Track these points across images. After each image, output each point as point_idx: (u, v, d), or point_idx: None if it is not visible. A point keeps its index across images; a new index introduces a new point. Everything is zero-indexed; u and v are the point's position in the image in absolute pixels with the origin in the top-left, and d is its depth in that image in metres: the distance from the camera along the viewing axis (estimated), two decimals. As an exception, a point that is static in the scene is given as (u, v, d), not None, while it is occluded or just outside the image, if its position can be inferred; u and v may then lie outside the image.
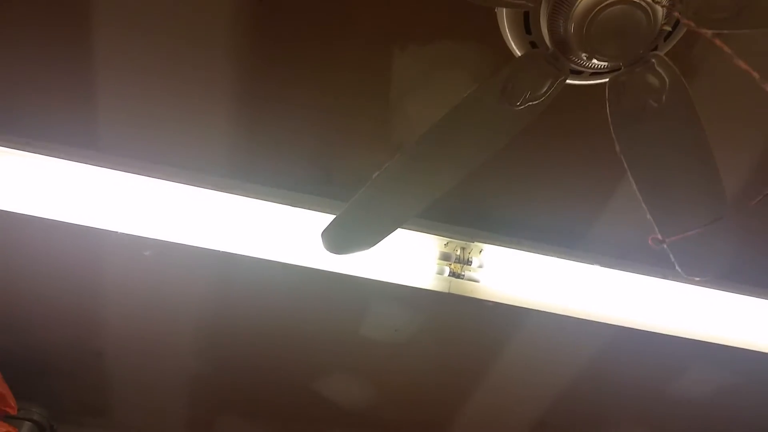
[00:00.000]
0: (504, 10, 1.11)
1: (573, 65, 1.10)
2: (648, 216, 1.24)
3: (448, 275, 1.83)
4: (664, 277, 1.87)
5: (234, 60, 1.52)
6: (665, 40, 1.12)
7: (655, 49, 1.11)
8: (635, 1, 0.97)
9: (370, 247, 1.42)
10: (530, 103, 1.14)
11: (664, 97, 1.11)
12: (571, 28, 1.01)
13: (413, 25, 1.45)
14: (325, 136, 1.67)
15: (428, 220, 1.81)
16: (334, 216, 1.48)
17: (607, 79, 1.12)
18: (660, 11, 1.00)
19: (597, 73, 1.14)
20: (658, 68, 1.09)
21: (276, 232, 1.76)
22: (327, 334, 2.16)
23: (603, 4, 0.97)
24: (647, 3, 0.97)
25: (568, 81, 1.13)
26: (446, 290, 1.87)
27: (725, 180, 1.23)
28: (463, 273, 1.83)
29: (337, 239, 1.43)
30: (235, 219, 1.74)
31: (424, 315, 2.09)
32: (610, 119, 1.14)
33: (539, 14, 1.07)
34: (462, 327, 2.13)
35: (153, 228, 1.71)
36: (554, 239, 1.85)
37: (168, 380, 2.38)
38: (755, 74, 1.03)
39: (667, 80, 1.10)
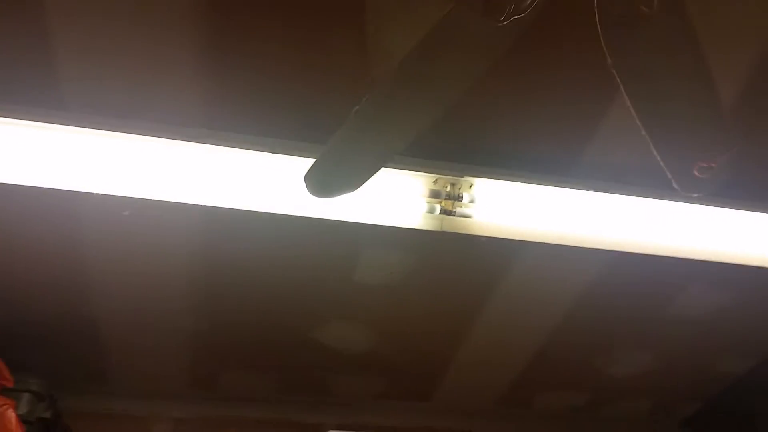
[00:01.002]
0: None
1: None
2: (642, 132, 1.18)
3: (440, 213, 1.78)
4: (660, 197, 1.83)
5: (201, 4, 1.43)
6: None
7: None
8: None
9: (356, 188, 1.36)
10: (515, 17, 1.06)
11: (655, 2, 1.03)
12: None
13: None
14: (300, 76, 1.58)
15: (415, 158, 1.74)
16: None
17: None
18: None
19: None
20: None
21: (258, 181, 1.70)
22: (320, 281, 2.13)
23: None
24: None
25: None
26: (438, 228, 1.82)
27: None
28: (454, 210, 1.78)
29: (321, 182, 1.37)
30: (215, 171, 1.67)
31: (418, 255, 2.06)
32: (599, 30, 1.07)
33: None
34: (457, 264, 2.10)
35: (130, 187, 1.64)
36: (546, 168, 1.80)
37: (165, 340, 2.36)
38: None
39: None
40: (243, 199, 1.73)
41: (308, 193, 1.37)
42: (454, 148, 1.75)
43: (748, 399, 2.84)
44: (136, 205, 1.71)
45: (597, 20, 1.05)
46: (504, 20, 1.04)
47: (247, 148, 1.63)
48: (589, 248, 1.91)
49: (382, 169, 1.67)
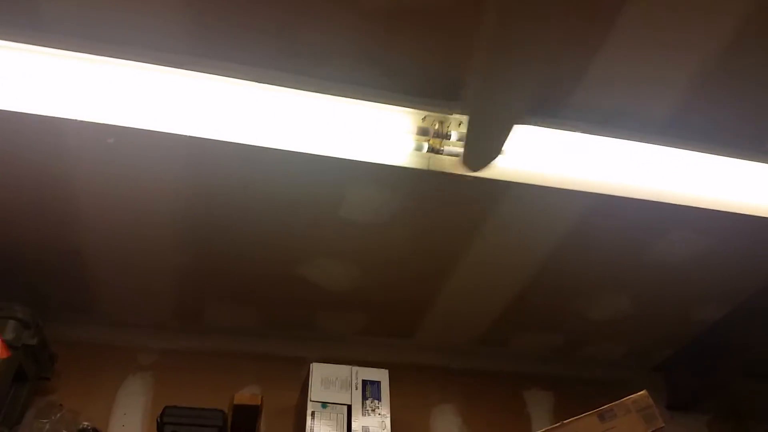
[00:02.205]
0: None
1: None
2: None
3: (427, 151, 1.78)
4: (644, 140, 1.84)
5: None
6: None
7: None
8: None
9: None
10: None
11: None
12: None
13: None
14: (293, 6, 1.54)
15: (404, 94, 1.73)
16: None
17: None
18: None
19: None
20: None
21: (245, 112, 1.68)
22: (306, 217, 2.13)
23: None
24: None
25: None
26: (425, 167, 1.83)
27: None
28: (442, 148, 1.78)
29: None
30: (201, 100, 1.64)
31: (404, 193, 2.06)
32: None
33: None
34: (442, 204, 2.12)
35: (114, 114, 1.62)
36: (535, 108, 1.79)
37: (150, 272, 2.37)
38: None
39: None
40: (228, 130, 1.71)
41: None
42: (445, 85, 1.73)
43: (721, 346, 2.94)
44: (121, 132, 1.69)
45: None
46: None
47: (233, 77, 1.61)
48: (573, 190, 1.93)
49: (371, 104, 1.68)
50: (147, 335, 2.65)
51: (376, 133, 1.75)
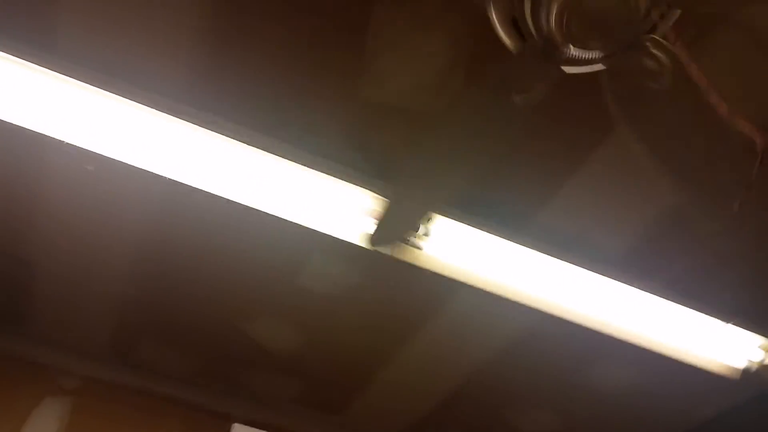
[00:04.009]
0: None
1: (565, 56, 1.10)
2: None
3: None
4: (593, 270, 1.94)
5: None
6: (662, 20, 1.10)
7: (653, 30, 1.07)
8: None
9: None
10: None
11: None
12: (552, 22, 1.01)
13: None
14: (291, 81, 1.63)
15: (383, 180, 1.81)
16: (289, 162, 1.67)
17: (602, 66, 1.10)
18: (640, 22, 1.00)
19: (591, 61, 1.13)
20: (654, 51, 1.06)
21: (227, 167, 1.74)
22: (263, 277, 2.16)
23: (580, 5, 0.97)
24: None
25: (564, 69, 1.13)
26: (388, 253, 1.89)
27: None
28: (407, 238, 1.85)
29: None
30: (186, 147, 1.70)
31: (364, 273, 2.11)
32: (609, 105, 1.16)
33: (524, 12, 1.06)
34: (398, 290, 2.17)
35: (100, 142, 1.66)
36: (503, 219, 1.89)
37: (95, 298, 2.34)
38: (704, 82, 1.07)
39: (665, 62, 1.08)
40: (206, 180, 1.76)
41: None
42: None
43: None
44: (101, 161, 1.72)
45: (607, 98, 1.14)
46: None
47: (221, 133, 1.67)
48: (519, 303, 2.00)
49: (350, 184, 1.76)
50: (74, 358, 2.58)
51: (349, 212, 1.82)
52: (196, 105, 1.67)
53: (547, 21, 1.02)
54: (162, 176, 1.74)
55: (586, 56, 1.07)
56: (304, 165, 1.76)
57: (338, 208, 1.82)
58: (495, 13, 1.14)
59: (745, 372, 2.22)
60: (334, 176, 1.78)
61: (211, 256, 2.10)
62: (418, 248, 1.88)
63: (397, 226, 1.66)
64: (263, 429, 2.58)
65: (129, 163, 1.71)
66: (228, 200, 1.79)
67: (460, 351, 2.41)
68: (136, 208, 1.96)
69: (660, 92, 1.13)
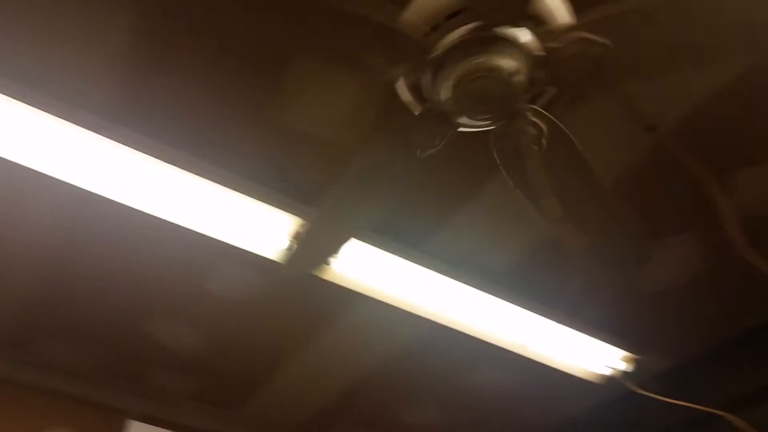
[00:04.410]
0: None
1: (457, 122, 1.25)
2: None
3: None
4: (479, 287, 2.15)
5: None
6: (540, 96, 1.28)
7: (536, 99, 1.26)
8: (494, 76, 1.12)
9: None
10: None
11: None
12: (446, 97, 1.16)
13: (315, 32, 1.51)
14: (211, 108, 1.69)
15: (295, 200, 1.91)
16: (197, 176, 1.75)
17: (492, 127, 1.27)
18: (522, 79, 1.16)
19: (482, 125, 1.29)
20: (533, 118, 1.24)
21: (140, 180, 1.77)
22: (171, 280, 2.20)
23: (467, 80, 1.13)
24: (505, 75, 1.13)
25: (460, 129, 1.28)
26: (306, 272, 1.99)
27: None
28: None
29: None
30: (97, 157, 1.72)
31: (270, 282, 2.20)
32: (498, 162, 1.33)
33: (426, 83, 1.21)
34: (302, 298, 2.28)
35: (8, 148, 1.65)
36: (404, 238, 2.05)
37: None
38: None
39: (544, 128, 1.26)
40: (122, 192, 1.79)
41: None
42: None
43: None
44: (7, 167, 1.70)
45: (495, 155, 1.30)
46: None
47: (141, 150, 1.71)
48: (415, 315, 2.18)
49: (260, 202, 1.85)
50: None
51: (260, 226, 1.91)
52: (116, 120, 1.70)
53: (443, 94, 1.17)
54: (71, 184, 1.75)
55: (475, 123, 1.23)
56: (214, 180, 1.83)
57: (251, 224, 1.90)
58: (399, 85, 1.28)
59: (609, 378, 2.52)
60: (244, 193, 1.85)
61: (120, 258, 2.12)
62: (327, 264, 1.99)
63: (317, 249, 1.76)
64: (159, 425, 2.61)
65: (36, 168, 1.71)
66: (138, 210, 1.83)
67: (357, 354, 2.56)
68: (42, 211, 1.95)
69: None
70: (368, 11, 1.09)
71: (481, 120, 1.22)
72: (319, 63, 1.61)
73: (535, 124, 1.26)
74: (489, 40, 1.12)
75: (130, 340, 2.48)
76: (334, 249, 1.92)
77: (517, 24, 1.13)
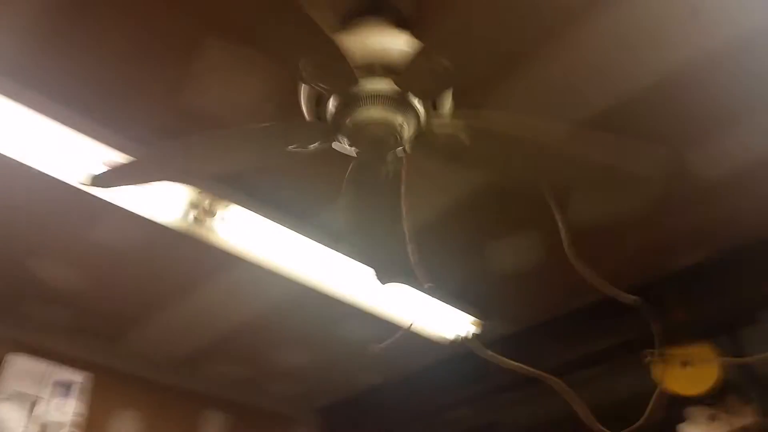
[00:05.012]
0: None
1: (338, 142, 1.46)
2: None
3: (193, 219, 2.11)
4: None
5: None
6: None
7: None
8: (386, 127, 1.36)
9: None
10: (299, 149, 1.49)
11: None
12: (345, 127, 1.37)
13: (229, 20, 1.63)
14: (121, 79, 1.77)
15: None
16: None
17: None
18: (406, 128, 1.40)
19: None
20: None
21: (42, 141, 1.83)
22: (56, 227, 2.29)
23: (364, 124, 1.35)
24: (395, 127, 1.37)
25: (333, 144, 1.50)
26: (184, 230, 2.16)
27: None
28: (204, 220, 2.13)
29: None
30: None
31: (158, 235, 2.32)
32: (346, 177, 1.56)
33: (328, 102, 1.40)
34: (182, 254, 2.44)
35: None
36: (286, 213, 2.25)
37: None
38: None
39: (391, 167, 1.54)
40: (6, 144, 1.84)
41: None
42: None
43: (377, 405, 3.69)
44: None
45: (348, 173, 1.53)
46: (291, 149, 1.47)
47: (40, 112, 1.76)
48: (283, 277, 2.43)
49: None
50: None
51: (160, 196, 2.04)
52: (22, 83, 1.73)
53: (343, 122, 1.38)
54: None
55: (348, 149, 1.47)
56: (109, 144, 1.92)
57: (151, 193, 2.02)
58: (305, 89, 1.45)
59: (456, 338, 2.92)
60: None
61: (7, 210, 2.17)
62: (212, 229, 2.17)
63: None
64: (37, 355, 2.70)
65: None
66: (38, 171, 1.89)
67: (233, 306, 2.80)
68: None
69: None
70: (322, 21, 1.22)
71: (352, 150, 1.46)
72: (231, 50, 1.74)
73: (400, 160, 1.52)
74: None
75: (8, 275, 2.53)
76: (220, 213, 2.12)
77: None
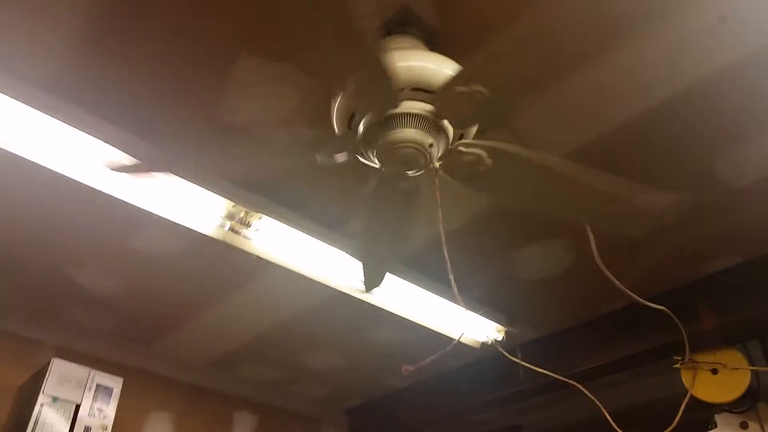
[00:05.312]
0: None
1: (363, 156, 1.51)
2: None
3: (228, 229, 2.17)
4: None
5: None
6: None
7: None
8: (417, 148, 1.40)
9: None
10: (326, 159, 1.55)
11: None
12: (376, 144, 1.41)
13: (266, 37, 1.68)
14: (157, 98, 1.84)
15: (233, 185, 2.12)
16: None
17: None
18: (435, 150, 1.45)
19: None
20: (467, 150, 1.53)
21: (74, 148, 1.88)
22: (96, 234, 2.37)
23: (396, 145, 1.40)
24: (425, 149, 1.41)
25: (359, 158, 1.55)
26: (221, 239, 2.22)
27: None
28: (239, 231, 2.19)
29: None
30: (38, 130, 1.81)
31: (198, 245, 2.40)
32: (368, 190, 1.61)
33: (361, 117, 1.44)
34: (223, 260, 2.51)
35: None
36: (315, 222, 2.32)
37: None
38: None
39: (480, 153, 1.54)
40: (49, 158, 1.90)
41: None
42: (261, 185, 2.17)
43: (403, 406, 3.74)
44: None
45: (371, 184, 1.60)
46: (318, 157, 1.54)
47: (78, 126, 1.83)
48: (313, 281, 2.47)
49: (199, 186, 2.04)
50: None
51: (195, 206, 2.10)
52: (63, 98, 1.81)
53: (375, 143, 1.42)
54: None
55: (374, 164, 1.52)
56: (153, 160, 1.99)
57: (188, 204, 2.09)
58: (340, 103, 1.49)
59: (483, 344, 2.95)
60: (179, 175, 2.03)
61: (50, 219, 2.25)
62: (248, 239, 2.23)
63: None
64: (77, 359, 2.79)
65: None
66: (67, 177, 1.96)
67: (268, 309, 2.87)
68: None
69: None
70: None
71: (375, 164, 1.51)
72: (264, 66, 1.79)
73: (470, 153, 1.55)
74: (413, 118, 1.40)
75: (52, 281, 2.63)
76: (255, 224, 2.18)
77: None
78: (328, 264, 2.41)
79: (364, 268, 2.04)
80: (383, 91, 1.34)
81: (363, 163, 1.57)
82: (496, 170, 1.56)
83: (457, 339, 1.88)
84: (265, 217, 2.19)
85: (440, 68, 1.42)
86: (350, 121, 1.50)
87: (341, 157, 1.55)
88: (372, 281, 2.11)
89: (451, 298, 2.66)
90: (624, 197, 1.61)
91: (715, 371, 2.65)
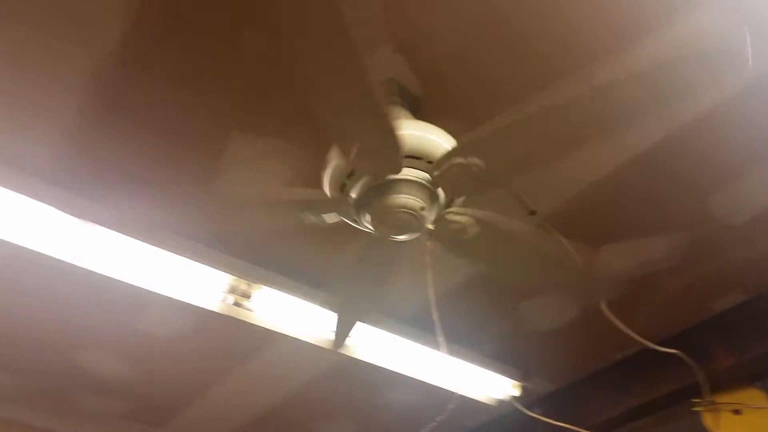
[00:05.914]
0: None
1: (356, 220, 1.53)
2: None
3: (233, 303, 2.19)
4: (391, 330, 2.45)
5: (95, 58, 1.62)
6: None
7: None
8: (412, 213, 1.43)
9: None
10: (315, 220, 1.58)
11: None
12: (371, 208, 1.44)
13: (262, 114, 1.73)
14: (158, 177, 1.89)
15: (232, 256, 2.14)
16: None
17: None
18: (428, 217, 1.47)
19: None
20: (455, 218, 1.55)
21: (74, 237, 1.94)
22: (102, 318, 2.38)
23: (392, 209, 1.42)
24: (419, 214, 1.44)
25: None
26: (225, 312, 2.23)
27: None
28: (242, 303, 2.20)
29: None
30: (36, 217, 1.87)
31: (201, 322, 2.41)
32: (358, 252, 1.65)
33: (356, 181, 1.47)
34: (229, 335, 2.50)
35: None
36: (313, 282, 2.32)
37: None
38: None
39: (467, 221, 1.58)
40: (54, 248, 1.95)
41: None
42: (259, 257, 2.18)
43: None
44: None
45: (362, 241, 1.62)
46: (311, 221, 1.57)
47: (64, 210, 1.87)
48: (320, 347, 2.47)
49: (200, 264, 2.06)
50: None
51: (198, 282, 2.13)
52: (61, 185, 1.86)
53: (367, 209, 1.45)
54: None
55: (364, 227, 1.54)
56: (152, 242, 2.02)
57: (189, 281, 2.11)
58: (335, 167, 1.51)
59: (500, 401, 2.90)
60: (179, 253, 2.06)
61: (56, 303, 2.27)
62: (250, 310, 2.23)
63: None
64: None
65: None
66: (69, 263, 2.00)
67: (275, 381, 2.83)
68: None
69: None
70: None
71: (369, 228, 1.53)
72: (256, 142, 1.84)
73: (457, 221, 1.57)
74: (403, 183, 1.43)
75: (59, 365, 2.62)
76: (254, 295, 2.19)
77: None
78: (331, 330, 2.39)
79: (338, 321, 2.02)
80: (388, 156, 1.38)
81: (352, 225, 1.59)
82: (483, 238, 1.60)
83: (455, 399, 1.84)
84: (265, 288, 2.20)
85: (439, 139, 1.46)
86: (343, 185, 1.52)
87: (331, 218, 1.58)
88: (342, 336, 2.10)
89: (463, 356, 2.64)
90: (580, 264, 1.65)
91: (737, 411, 2.58)
